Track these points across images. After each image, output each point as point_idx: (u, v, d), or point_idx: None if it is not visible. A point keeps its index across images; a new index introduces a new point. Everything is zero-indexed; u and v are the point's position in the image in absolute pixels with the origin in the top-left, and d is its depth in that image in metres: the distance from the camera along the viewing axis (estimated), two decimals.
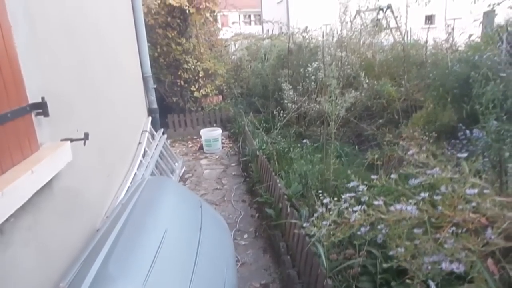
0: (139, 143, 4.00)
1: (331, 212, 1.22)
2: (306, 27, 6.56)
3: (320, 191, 2.59)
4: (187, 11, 5.71)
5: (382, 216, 1.04)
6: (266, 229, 3.13)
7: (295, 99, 4.95)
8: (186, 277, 1.64)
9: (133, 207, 2.06)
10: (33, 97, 1.70)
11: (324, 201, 1.31)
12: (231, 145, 5.88)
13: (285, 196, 2.90)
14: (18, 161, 1.52)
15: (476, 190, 0.92)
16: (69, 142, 1.90)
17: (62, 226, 1.92)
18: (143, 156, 3.79)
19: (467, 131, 2.81)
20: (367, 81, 4.71)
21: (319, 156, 3.61)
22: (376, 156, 3.15)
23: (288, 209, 2.69)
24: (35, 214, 1.64)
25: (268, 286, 2.51)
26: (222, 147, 5.73)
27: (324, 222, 1.19)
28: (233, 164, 5.01)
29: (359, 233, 1.12)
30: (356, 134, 4.69)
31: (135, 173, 3.38)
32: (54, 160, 1.72)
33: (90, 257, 1.70)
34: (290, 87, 5.04)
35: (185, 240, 1.92)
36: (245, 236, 3.15)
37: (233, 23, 7.86)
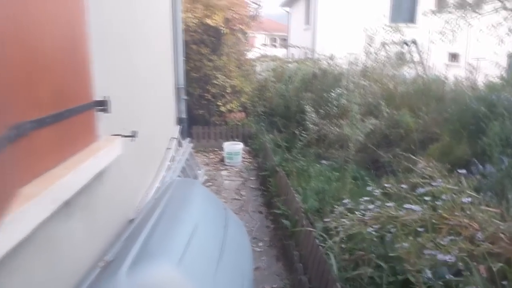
0: (168, 148, 4.28)
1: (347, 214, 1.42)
2: (332, 55, 6.85)
3: (335, 207, 2.79)
4: (222, 31, 6.08)
5: (392, 213, 1.24)
6: (280, 239, 3.31)
7: (317, 122, 5.18)
8: (213, 265, 1.85)
9: (167, 201, 2.30)
10: (97, 96, 1.98)
11: (344, 201, 1.51)
12: (251, 160, 6.12)
13: (302, 210, 3.10)
14: (83, 148, 1.79)
15: (470, 199, 1.10)
16: (120, 137, 2.17)
17: (105, 211, 2.17)
18: (171, 161, 4.06)
19: (480, 166, 2.98)
20: (387, 110, 4.92)
21: (337, 175, 3.80)
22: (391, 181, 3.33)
23: (304, 221, 2.89)
24: (89, 196, 1.89)
25: None
26: (242, 161, 5.97)
27: (342, 220, 1.38)
28: (252, 178, 5.23)
29: (370, 229, 1.30)
30: (373, 160, 4.86)
31: (163, 175, 3.64)
32: (109, 151, 1.98)
33: (131, 238, 1.94)
34: (313, 109, 5.29)
35: (213, 234, 2.14)
36: (260, 244, 3.34)
37: (263, 45, 8.23)
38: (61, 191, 1.41)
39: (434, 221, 1.16)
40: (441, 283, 1.41)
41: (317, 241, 2.54)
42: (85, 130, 1.84)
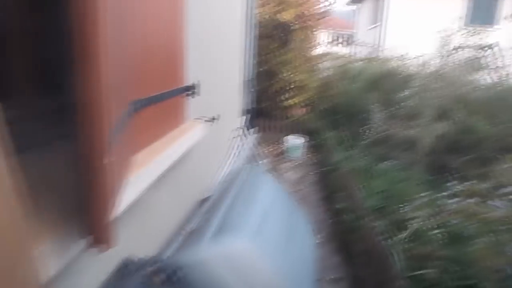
0: (234, 137, 4.48)
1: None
2: (402, 55, 6.66)
3: (400, 206, 2.79)
4: (291, 27, 6.18)
5: (475, 207, 1.26)
6: (340, 233, 3.36)
7: (382, 122, 5.11)
8: (282, 245, 1.98)
9: (239, 184, 2.46)
10: (187, 81, 2.18)
11: (423, 194, 1.55)
12: (310, 155, 6.17)
13: (364, 206, 3.12)
14: (176, 126, 1.99)
15: None
16: (203, 121, 2.37)
17: (186, 187, 2.38)
18: (237, 149, 4.26)
19: None
20: (459, 115, 4.72)
21: (401, 177, 3.76)
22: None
23: (366, 218, 2.92)
24: (175, 171, 2.10)
25: (337, 281, 2.76)
26: (303, 156, 6.05)
27: (420, 213, 1.43)
28: (311, 173, 5.30)
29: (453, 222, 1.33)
30: (440, 165, 4.70)
31: (230, 162, 3.85)
32: (194, 133, 2.18)
33: (210, 213, 2.12)
34: (379, 109, 5.22)
35: (281, 218, 2.27)
36: (319, 236, 3.41)
37: (328, 42, 8.19)
38: (162, 163, 1.61)
39: None
40: None
41: (380, 237, 2.57)
42: (177, 111, 2.05)
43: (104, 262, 1.35)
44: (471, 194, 1.35)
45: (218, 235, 1.75)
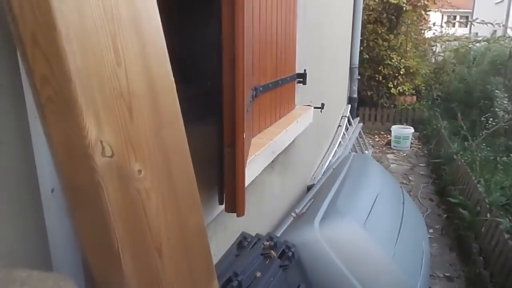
0: (339, 126, 4.44)
1: None
2: None
3: None
4: (404, 8, 5.80)
5: None
6: (455, 229, 3.12)
7: (509, 109, 4.52)
8: (394, 234, 1.94)
9: (347, 171, 2.45)
10: (297, 69, 2.25)
11: None
12: (420, 146, 5.78)
13: (486, 201, 2.84)
14: (288, 112, 2.08)
15: None
16: (312, 107, 2.42)
17: (294, 171, 2.47)
18: (342, 138, 4.22)
19: None
20: None
21: None
22: None
23: (488, 214, 2.66)
24: (285, 154, 2.20)
25: (452, 279, 2.58)
26: (411, 147, 5.70)
27: None
28: (421, 164, 4.97)
29: None
30: None
31: (335, 150, 3.83)
32: (304, 119, 2.24)
33: (317, 197, 2.18)
34: (506, 95, 4.62)
35: (392, 206, 2.21)
36: (431, 231, 3.21)
37: (445, 22, 7.44)
38: (276, 146, 1.71)
39: None
40: None
41: (506, 235, 2.33)
42: (289, 98, 2.13)
43: (229, 233, 1.51)
44: None
45: (327, 218, 1.79)
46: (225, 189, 0.89)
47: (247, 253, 1.45)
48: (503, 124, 4.48)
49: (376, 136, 6.46)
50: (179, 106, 0.57)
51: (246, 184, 1.38)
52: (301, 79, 2.27)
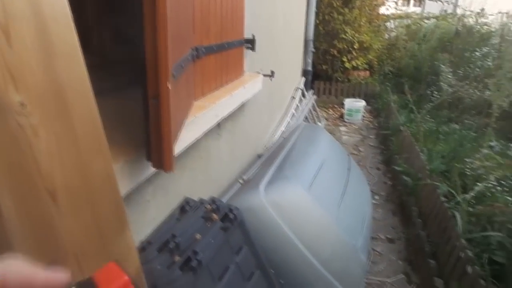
0: (293, 97, 4.46)
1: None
2: (483, 9, 6.01)
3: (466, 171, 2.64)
4: None
5: None
6: (398, 196, 3.28)
7: (452, 83, 4.75)
8: (337, 198, 1.99)
9: (296, 139, 2.48)
10: (246, 34, 2.19)
11: (491, 143, 1.46)
12: (371, 119, 5.97)
13: (427, 169, 3.00)
14: (235, 78, 2.04)
15: None
16: (261, 75, 2.39)
17: (243, 139, 2.45)
18: (295, 109, 4.25)
19: None
20: None
21: (470, 140, 3.52)
22: None
23: (428, 179, 2.81)
24: (234, 121, 2.17)
25: (393, 241, 2.73)
26: (363, 119, 5.87)
27: (487, 163, 1.35)
28: (371, 136, 5.15)
29: None
30: None
31: (288, 121, 3.86)
32: (253, 85, 2.21)
33: (265, 164, 2.18)
34: (450, 70, 4.84)
35: (338, 172, 2.27)
36: (377, 197, 3.36)
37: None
38: (220, 109, 1.67)
39: None
40: None
41: (442, 199, 2.47)
42: (236, 63, 2.08)
43: (170, 197, 1.47)
44: None
45: (273, 183, 1.80)
46: (151, 144, 0.85)
47: (188, 217, 1.42)
48: (447, 97, 4.71)
49: (330, 109, 6.58)
50: (76, 37, 0.52)
51: (185, 146, 1.35)
52: (250, 45, 2.22)
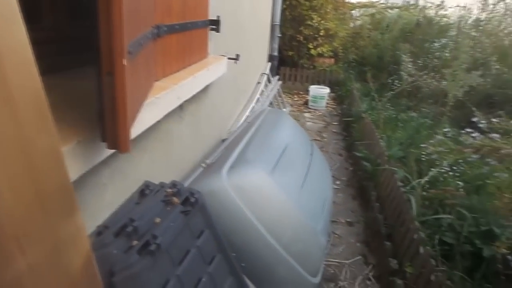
0: (258, 82, 4.45)
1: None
2: (443, 2, 6.23)
3: (422, 157, 2.76)
4: None
5: (494, 144, 1.24)
6: (358, 181, 3.39)
7: (412, 73, 4.91)
8: (299, 182, 2.02)
9: (260, 124, 2.48)
10: (210, 16, 2.14)
11: (445, 130, 1.52)
12: (335, 106, 6.09)
13: (386, 154, 3.10)
14: (199, 60, 1.99)
15: None
16: (226, 58, 2.35)
17: (206, 122, 2.42)
18: (260, 94, 4.24)
19: None
20: (497, 67, 4.46)
21: (426, 127, 3.68)
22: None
23: (386, 165, 2.91)
24: (197, 105, 2.13)
25: (352, 224, 2.82)
26: (326, 106, 5.97)
27: (440, 148, 1.41)
28: (334, 123, 5.25)
29: (470, 159, 1.32)
30: (468, 119, 4.54)
31: (253, 106, 3.85)
32: (217, 68, 2.17)
33: (228, 148, 2.17)
34: (410, 60, 5.00)
35: (300, 157, 2.29)
36: (338, 182, 3.45)
37: None
38: (182, 91, 1.63)
39: None
40: None
41: (398, 183, 2.57)
42: (200, 45, 2.03)
43: (130, 181, 1.43)
44: (496, 130, 1.32)
45: (235, 167, 1.79)
46: (105, 123, 0.81)
47: (147, 201, 1.39)
48: (406, 86, 4.87)
49: (295, 95, 6.63)
50: (17, 3, 0.47)
51: (145, 127, 1.31)
52: (215, 26, 2.17)
